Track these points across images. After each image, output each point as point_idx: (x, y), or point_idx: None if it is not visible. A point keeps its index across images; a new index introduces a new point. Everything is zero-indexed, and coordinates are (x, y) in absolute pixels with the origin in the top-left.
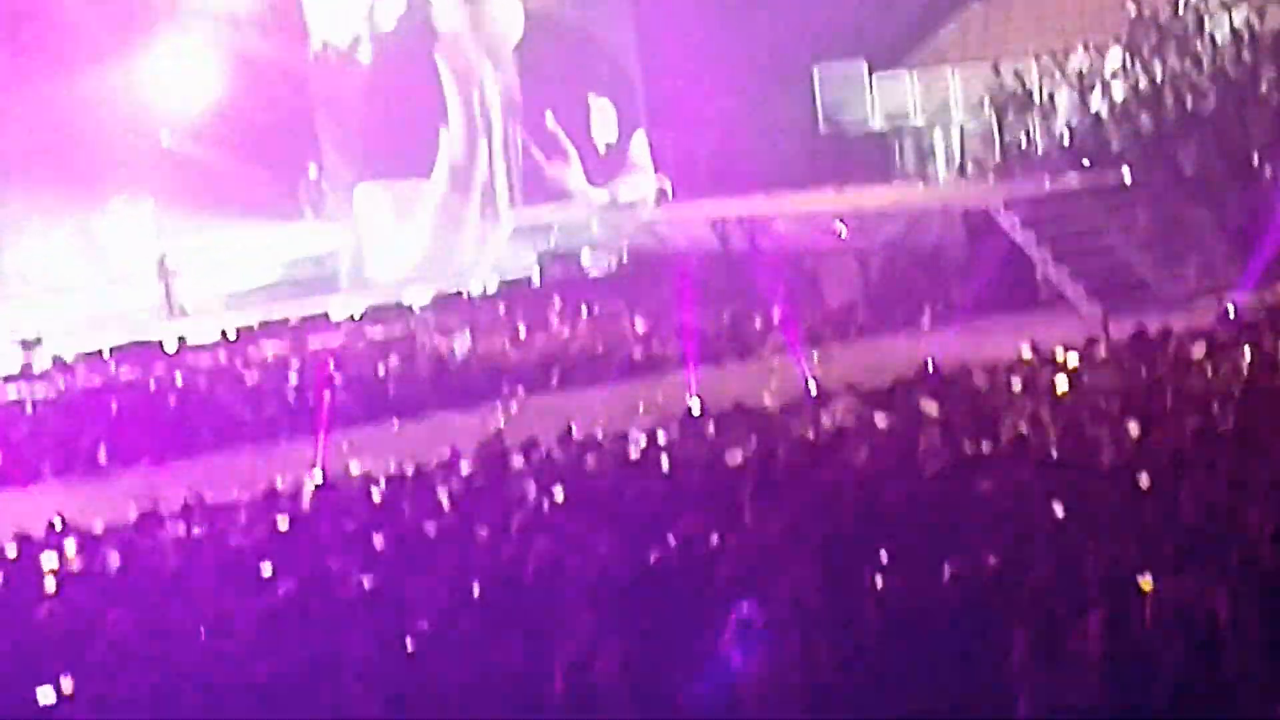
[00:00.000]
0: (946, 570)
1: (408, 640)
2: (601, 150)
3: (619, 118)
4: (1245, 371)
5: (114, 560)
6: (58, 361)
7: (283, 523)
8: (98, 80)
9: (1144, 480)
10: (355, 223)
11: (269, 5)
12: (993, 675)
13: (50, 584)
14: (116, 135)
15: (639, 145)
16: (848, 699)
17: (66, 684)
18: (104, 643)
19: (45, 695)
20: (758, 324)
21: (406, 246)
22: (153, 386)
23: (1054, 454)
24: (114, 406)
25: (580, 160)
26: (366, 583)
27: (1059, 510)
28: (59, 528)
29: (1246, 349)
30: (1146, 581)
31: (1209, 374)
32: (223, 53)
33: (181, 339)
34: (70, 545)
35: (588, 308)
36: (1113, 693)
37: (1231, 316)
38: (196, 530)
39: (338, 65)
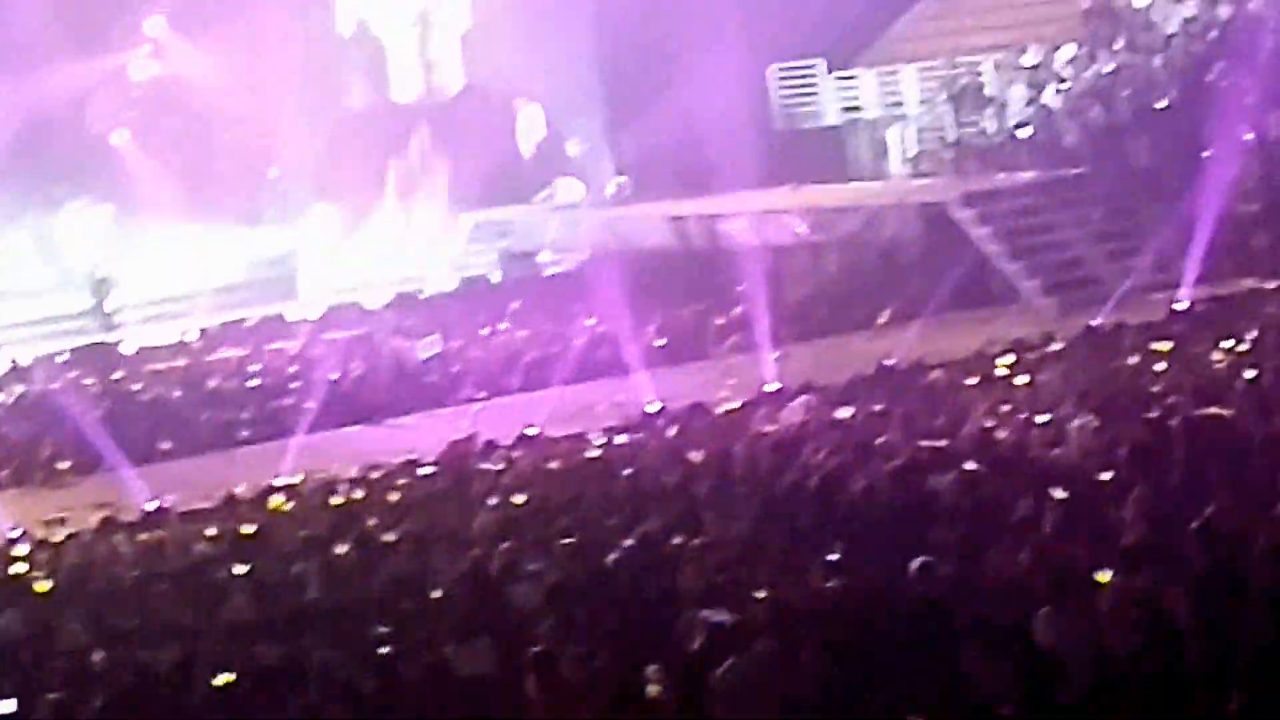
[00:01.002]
0: (906, 565)
1: (370, 643)
2: (532, 152)
3: (549, 120)
4: (1199, 364)
5: (74, 565)
6: (15, 365)
7: (246, 528)
8: (56, 83)
9: (1102, 474)
10: (312, 226)
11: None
12: (949, 668)
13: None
14: (74, 139)
15: (573, 149)
16: (814, 696)
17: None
18: (62, 650)
19: (4, 706)
20: (717, 322)
21: (363, 248)
22: (111, 389)
23: (1011, 448)
24: (73, 410)
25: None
26: (329, 586)
27: (1018, 505)
28: (15, 536)
29: (1200, 342)
30: (1104, 575)
31: (1163, 367)
32: (184, 56)
33: (137, 341)
34: (28, 552)
35: (547, 307)
36: (1069, 687)
37: (1184, 310)
38: (157, 535)
39: (296, 68)
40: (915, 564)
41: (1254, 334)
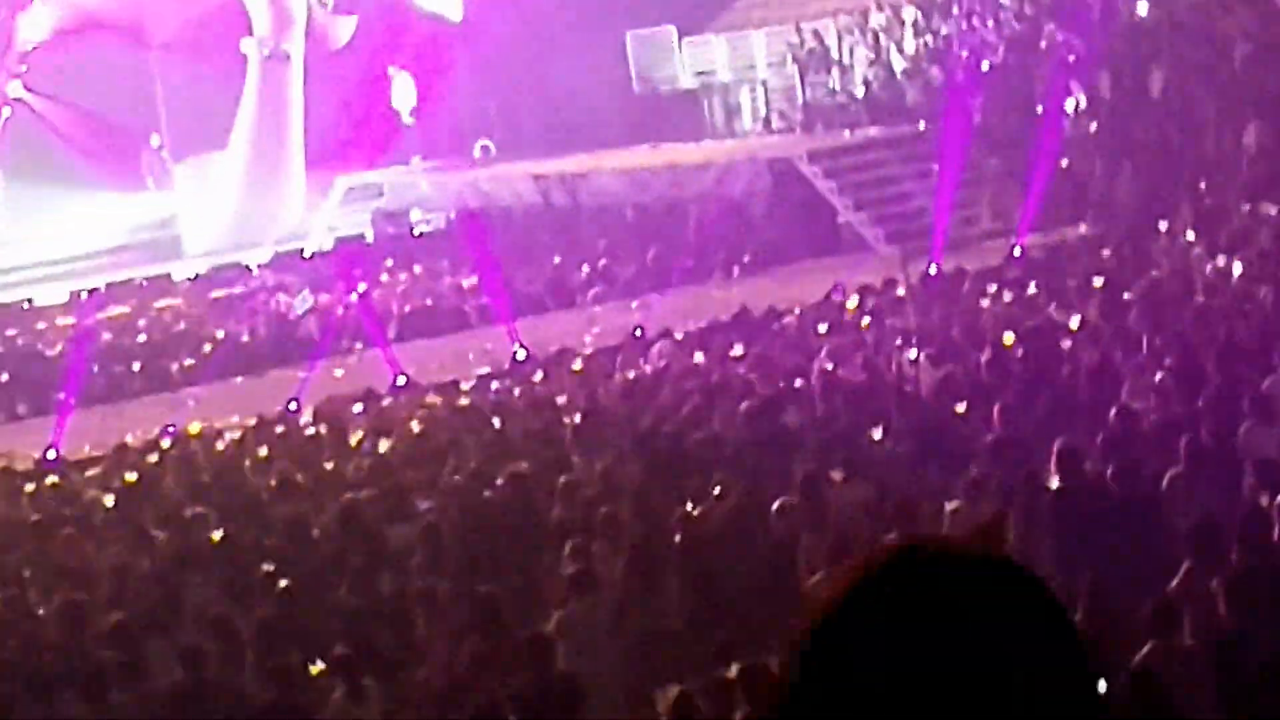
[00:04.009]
0: (762, 502)
1: (253, 586)
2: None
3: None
4: (1032, 306)
5: None
6: None
7: (131, 477)
8: None
9: (947, 408)
10: (189, 190)
11: None
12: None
13: None
14: None
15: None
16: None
17: None
18: None
19: None
20: (580, 275)
21: (240, 211)
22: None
23: (858, 386)
24: None
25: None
26: (214, 533)
27: (868, 437)
28: None
29: (1033, 286)
30: (951, 505)
31: (1000, 310)
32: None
33: (30, 300)
34: None
35: (418, 263)
36: None
37: (1018, 256)
38: (49, 482)
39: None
40: (775, 505)
41: (1082, 278)
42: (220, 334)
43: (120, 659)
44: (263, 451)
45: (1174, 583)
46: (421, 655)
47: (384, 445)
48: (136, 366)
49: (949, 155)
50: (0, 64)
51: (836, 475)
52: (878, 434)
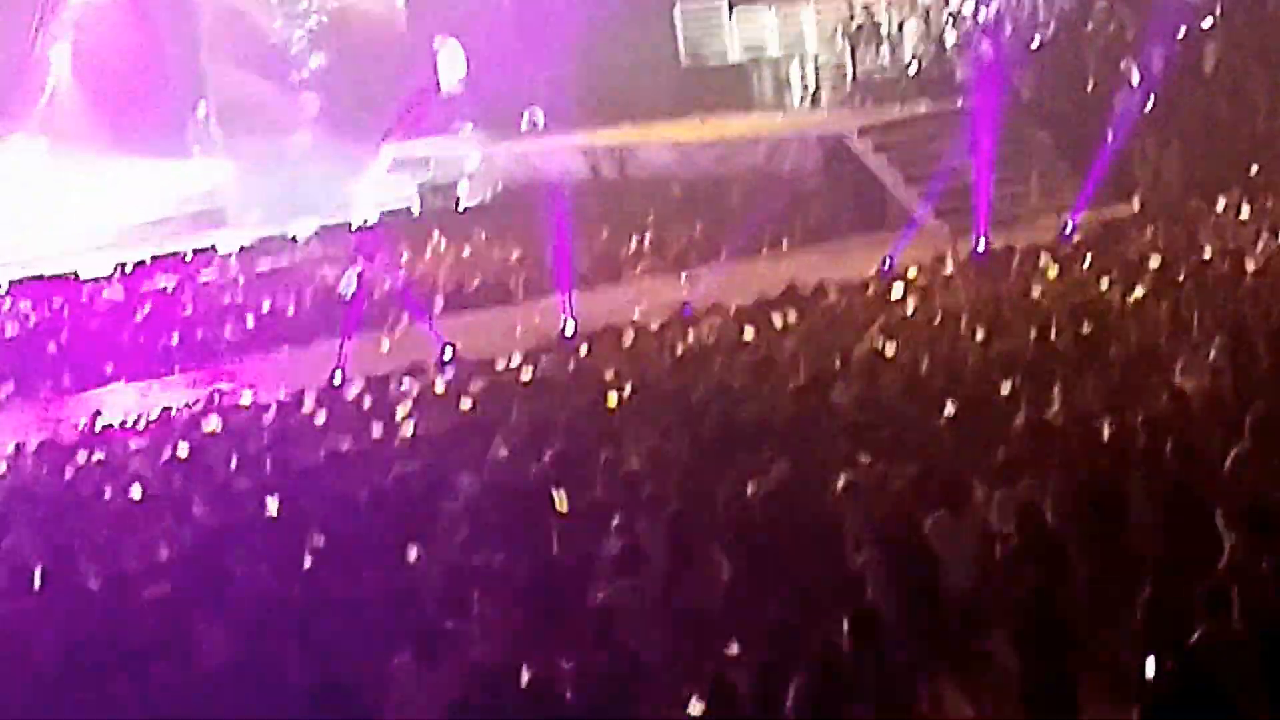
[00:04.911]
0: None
1: (306, 557)
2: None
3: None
4: (1084, 283)
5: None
6: None
7: (182, 449)
8: None
9: (997, 386)
10: (238, 160)
11: None
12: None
13: None
14: (8, 74)
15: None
16: (710, 615)
17: None
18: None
19: None
20: (628, 249)
21: (288, 181)
22: (50, 319)
23: (908, 364)
24: (12, 339)
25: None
26: (261, 506)
27: (914, 414)
28: None
29: (1084, 263)
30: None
31: (1050, 286)
32: None
33: (76, 273)
34: None
35: (466, 236)
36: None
37: (1069, 233)
38: (97, 456)
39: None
40: (831, 483)
41: (1134, 255)
42: (266, 306)
43: (165, 634)
44: (310, 424)
45: (1221, 563)
46: (473, 631)
47: (430, 419)
48: (182, 338)
49: (998, 131)
50: (47, 29)
51: (864, 458)
52: (924, 411)
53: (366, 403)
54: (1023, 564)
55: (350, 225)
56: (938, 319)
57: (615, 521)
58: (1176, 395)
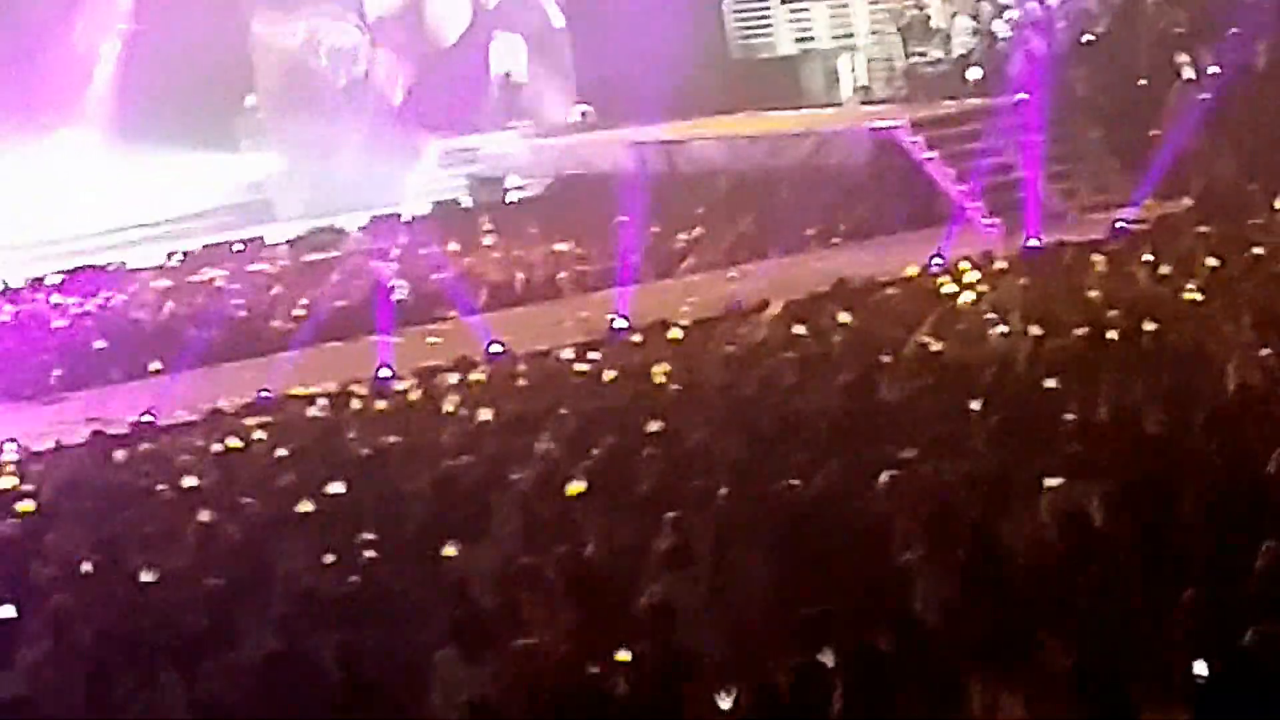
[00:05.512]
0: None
1: (359, 551)
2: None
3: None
4: (1135, 281)
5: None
6: (6, 287)
7: (232, 441)
8: (39, 13)
9: (1046, 384)
10: (287, 151)
11: None
12: (895, 576)
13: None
14: (61, 67)
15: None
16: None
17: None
18: (54, 561)
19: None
20: (677, 244)
21: (337, 174)
22: (98, 310)
23: (957, 360)
24: (63, 330)
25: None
26: (309, 500)
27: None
28: (11, 449)
29: (1136, 260)
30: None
31: (1101, 284)
32: None
33: (125, 263)
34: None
35: (515, 230)
36: (1000, 592)
37: (1121, 230)
38: (147, 448)
39: None
40: (878, 480)
41: (1187, 252)
42: (315, 298)
43: (213, 627)
44: (358, 418)
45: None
46: (525, 625)
47: (479, 413)
48: (230, 330)
49: (1050, 126)
50: (95, 21)
51: (909, 453)
52: (975, 408)
53: (414, 396)
54: (1073, 563)
55: (400, 217)
56: (988, 315)
57: (666, 517)
58: (1228, 394)
